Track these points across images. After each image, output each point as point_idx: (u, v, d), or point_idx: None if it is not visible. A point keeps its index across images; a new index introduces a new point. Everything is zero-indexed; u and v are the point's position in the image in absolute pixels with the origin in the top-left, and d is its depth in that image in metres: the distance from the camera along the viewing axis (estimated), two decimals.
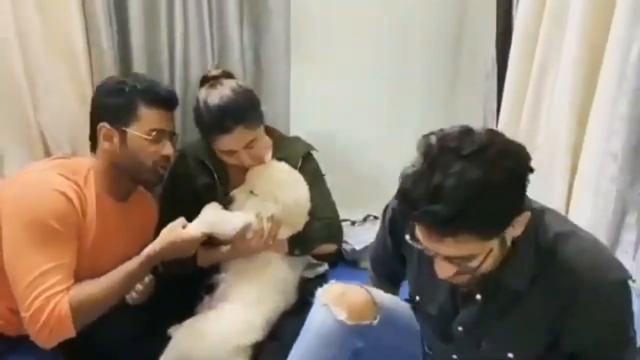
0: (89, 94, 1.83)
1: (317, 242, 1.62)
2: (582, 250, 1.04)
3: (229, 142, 1.53)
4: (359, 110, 2.53)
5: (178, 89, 1.98)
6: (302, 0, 2.20)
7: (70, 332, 1.28)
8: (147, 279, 1.51)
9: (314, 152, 1.76)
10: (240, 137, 1.52)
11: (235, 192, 1.58)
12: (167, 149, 1.48)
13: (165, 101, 1.48)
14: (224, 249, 1.56)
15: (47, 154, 1.89)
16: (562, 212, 1.92)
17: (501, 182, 0.91)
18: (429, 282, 1.17)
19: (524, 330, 1.09)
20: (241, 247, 1.53)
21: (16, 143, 1.83)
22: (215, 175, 1.66)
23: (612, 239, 1.66)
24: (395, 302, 1.35)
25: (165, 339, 1.48)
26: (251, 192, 1.57)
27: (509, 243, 1.02)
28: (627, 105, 1.57)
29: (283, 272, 1.58)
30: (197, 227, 1.45)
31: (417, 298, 1.26)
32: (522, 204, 0.97)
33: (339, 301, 1.24)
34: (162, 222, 1.53)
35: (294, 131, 2.14)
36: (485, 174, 0.89)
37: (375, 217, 2.55)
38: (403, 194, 0.96)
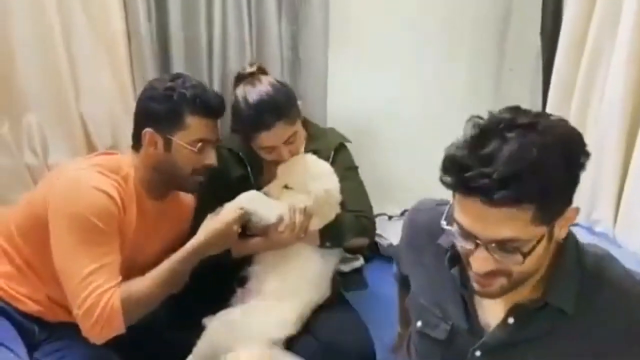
0: (128, 83, 1.87)
1: (348, 235, 1.58)
2: (629, 272, 0.95)
3: (270, 139, 1.51)
4: (399, 102, 2.47)
5: (216, 81, 2.00)
6: None
7: (120, 328, 1.29)
8: None
9: (348, 144, 1.73)
10: (281, 132, 1.50)
11: (270, 188, 1.56)
12: (210, 158, 1.45)
13: (214, 110, 1.44)
14: (257, 239, 1.55)
15: (89, 144, 1.93)
16: (610, 219, 1.85)
17: (559, 152, 0.83)
18: (437, 301, 1.10)
19: None
20: (273, 238, 1.52)
21: (59, 134, 1.88)
22: (249, 168, 1.65)
23: None
24: None
25: (198, 329, 1.48)
26: (285, 186, 1.55)
27: (555, 241, 0.93)
28: None
29: (316, 265, 1.55)
30: (234, 205, 1.47)
31: (419, 324, 1.15)
32: (575, 188, 0.88)
33: None
34: (198, 216, 1.53)
35: (331, 122, 2.11)
36: (544, 141, 0.83)
37: None
38: (451, 160, 0.87)
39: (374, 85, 2.38)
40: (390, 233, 2.34)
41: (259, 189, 1.57)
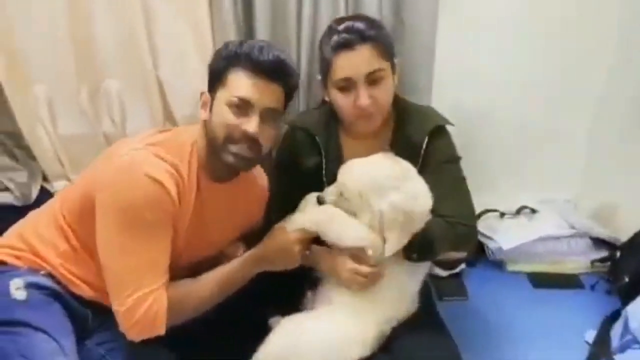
0: (209, 52, 1.69)
1: (439, 247, 1.26)
2: None
3: (351, 62, 1.27)
4: (517, 81, 2.01)
5: (304, 51, 1.75)
6: None
7: (160, 331, 1.18)
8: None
9: (450, 128, 1.41)
10: (365, 57, 1.26)
11: (326, 193, 1.32)
12: (249, 124, 1.20)
13: (262, 68, 1.21)
14: (325, 258, 1.32)
15: (168, 113, 1.81)
16: None
17: None
18: None
19: None
20: (341, 276, 1.29)
21: (138, 102, 1.78)
22: (323, 155, 1.41)
23: None
24: None
25: (263, 328, 1.32)
26: (341, 194, 1.28)
27: None
28: None
29: (399, 280, 1.26)
30: (301, 221, 1.28)
31: None
32: None
33: None
34: (271, 208, 1.43)
35: (434, 100, 1.79)
36: None
37: (533, 210, 2.08)
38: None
39: (490, 61, 1.98)
40: (502, 235, 1.97)
41: (331, 182, 1.32)
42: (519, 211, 2.10)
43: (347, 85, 1.29)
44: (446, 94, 1.87)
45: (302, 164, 1.43)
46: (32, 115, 1.73)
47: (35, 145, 1.76)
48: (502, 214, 2.10)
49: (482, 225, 2.01)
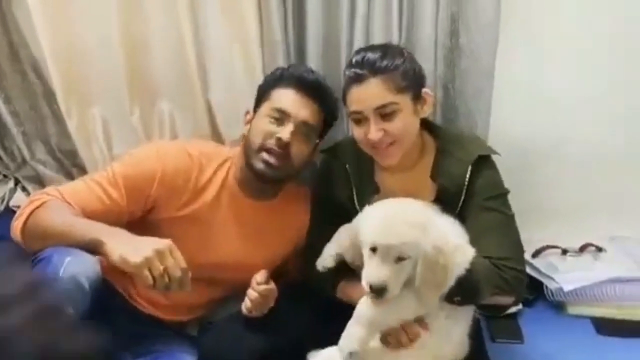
0: (258, 74, 1.68)
1: (483, 291, 1.15)
2: None
3: (359, 97, 1.26)
4: (585, 107, 1.87)
5: None
6: None
7: (16, 233, 1.20)
8: (265, 289, 1.29)
9: (496, 158, 1.32)
10: (374, 92, 1.24)
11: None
12: (283, 132, 1.31)
13: (303, 85, 1.35)
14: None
15: (217, 134, 1.81)
16: None
17: None
18: None
19: None
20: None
21: (188, 123, 1.79)
22: (353, 185, 1.37)
23: None
24: None
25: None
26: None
27: None
28: None
29: (443, 323, 1.17)
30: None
31: None
32: None
33: None
34: (309, 235, 1.46)
35: (492, 127, 1.69)
36: None
37: (599, 249, 1.92)
38: None
39: (554, 86, 1.85)
40: (563, 274, 1.81)
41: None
42: (583, 249, 1.94)
43: (359, 118, 1.28)
44: (505, 121, 1.76)
45: (336, 194, 1.41)
46: (88, 135, 1.77)
47: (89, 163, 1.80)
48: (564, 251, 1.94)
49: (541, 263, 1.86)
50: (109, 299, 1.29)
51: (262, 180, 1.36)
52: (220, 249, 1.37)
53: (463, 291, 1.13)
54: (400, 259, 1.09)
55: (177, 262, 1.06)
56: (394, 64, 1.25)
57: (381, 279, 1.08)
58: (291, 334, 1.30)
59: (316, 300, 1.36)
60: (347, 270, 1.29)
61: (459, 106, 1.70)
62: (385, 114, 1.25)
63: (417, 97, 1.29)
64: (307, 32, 1.68)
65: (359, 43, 1.64)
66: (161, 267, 1.04)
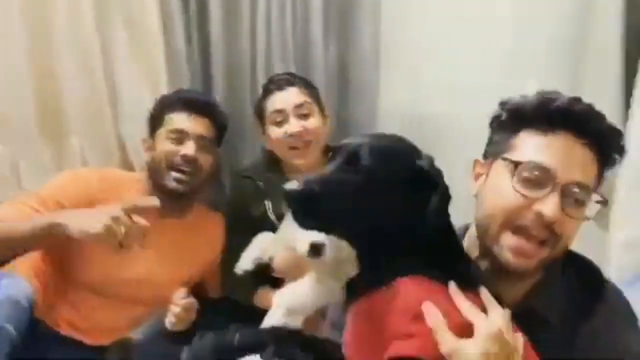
0: None
1: None
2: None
3: (280, 98, 1.53)
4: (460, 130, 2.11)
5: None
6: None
7: None
8: (187, 303, 1.39)
9: None
10: (292, 93, 1.53)
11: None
12: (187, 148, 1.45)
13: (188, 103, 1.49)
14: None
15: (127, 163, 1.87)
16: None
17: None
18: None
19: None
20: None
21: (98, 156, 1.84)
22: (268, 203, 1.54)
23: None
24: None
25: None
26: None
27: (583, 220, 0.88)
28: None
29: None
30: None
31: None
32: None
33: None
34: (225, 256, 1.55)
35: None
36: None
37: None
38: (541, 102, 0.89)
39: (428, 108, 2.11)
40: None
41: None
42: None
43: (280, 120, 1.51)
44: None
45: (250, 211, 1.56)
46: None
47: None
48: None
49: None
50: (32, 325, 1.27)
51: (175, 196, 1.47)
52: (136, 266, 1.42)
53: None
54: None
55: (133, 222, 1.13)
56: (304, 80, 1.59)
57: (320, 239, 1.13)
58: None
59: (235, 311, 1.46)
60: (264, 280, 1.42)
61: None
62: (302, 114, 1.50)
63: (322, 110, 1.58)
64: (211, 64, 1.85)
65: (261, 72, 1.83)
66: (122, 230, 1.11)
